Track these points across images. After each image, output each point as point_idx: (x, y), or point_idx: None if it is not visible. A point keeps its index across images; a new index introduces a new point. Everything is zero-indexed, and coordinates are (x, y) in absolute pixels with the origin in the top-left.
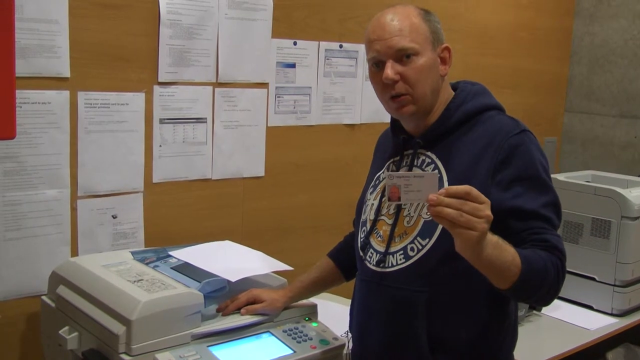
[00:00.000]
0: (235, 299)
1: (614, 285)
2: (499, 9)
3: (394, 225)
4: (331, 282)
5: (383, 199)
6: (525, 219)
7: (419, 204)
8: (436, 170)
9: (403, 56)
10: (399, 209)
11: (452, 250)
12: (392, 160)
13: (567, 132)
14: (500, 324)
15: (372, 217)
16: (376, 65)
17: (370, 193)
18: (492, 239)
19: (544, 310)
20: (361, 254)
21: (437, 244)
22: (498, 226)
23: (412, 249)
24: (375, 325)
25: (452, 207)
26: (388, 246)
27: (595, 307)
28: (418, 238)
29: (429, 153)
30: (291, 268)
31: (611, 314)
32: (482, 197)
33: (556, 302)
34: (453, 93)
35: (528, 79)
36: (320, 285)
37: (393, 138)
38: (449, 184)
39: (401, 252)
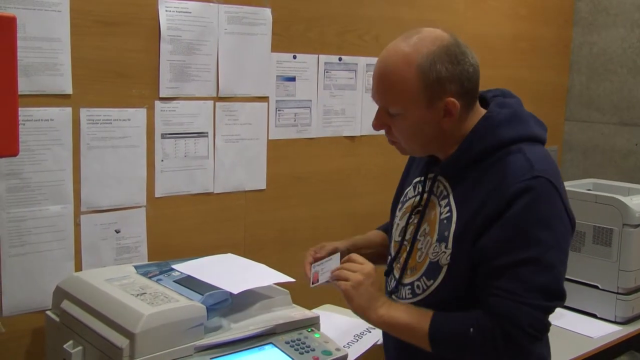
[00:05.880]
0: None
1: (617, 293)
2: (498, 20)
3: (408, 256)
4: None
5: (414, 218)
6: (489, 272)
7: (429, 242)
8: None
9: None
10: (414, 238)
11: (454, 294)
12: (417, 180)
13: (568, 141)
14: None
15: (397, 238)
16: None
17: (399, 209)
18: (386, 301)
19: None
20: (385, 277)
21: (441, 287)
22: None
23: (418, 287)
24: (392, 344)
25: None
26: (401, 277)
27: (598, 315)
28: (424, 277)
29: (446, 184)
30: (293, 280)
31: (615, 322)
32: (361, 259)
33: (559, 310)
34: (481, 114)
35: (528, 89)
36: (380, 245)
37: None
38: (455, 227)
39: (409, 287)
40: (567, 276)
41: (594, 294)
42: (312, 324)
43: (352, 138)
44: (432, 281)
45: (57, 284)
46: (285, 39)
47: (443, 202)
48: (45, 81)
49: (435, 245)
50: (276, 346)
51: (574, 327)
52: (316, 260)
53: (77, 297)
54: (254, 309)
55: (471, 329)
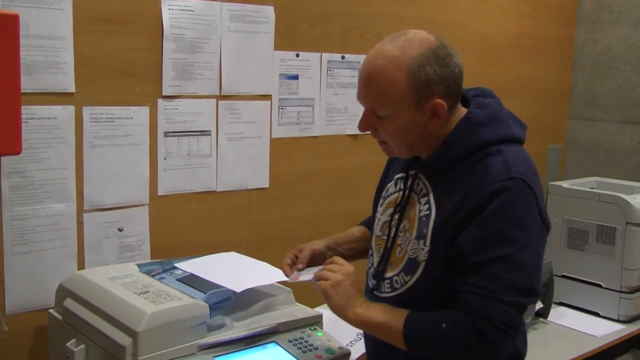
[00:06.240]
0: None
1: (620, 292)
2: (500, 18)
3: (389, 252)
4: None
5: (395, 215)
6: (464, 269)
7: (408, 239)
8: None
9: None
10: (394, 235)
11: (432, 290)
12: (399, 176)
13: (571, 139)
14: None
15: (378, 233)
16: None
17: (380, 205)
18: (364, 301)
19: (550, 317)
20: (368, 271)
21: (418, 282)
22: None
23: (396, 282)
24: (372, 344)
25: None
26: (382, 272)
27: (601, 314)
28: (402, 273)
29: (427, 182)
30: None
31: (618, 321)
32: (342, 261)
33: (562, 309)
34: (462, 114)
35: (531, 87)
36: (362, 240)
37: None
38: (434, 225)
39: (388, 282)
40: (570, 274)
41: (597, 292)
42: (315, 322)
43: (355, 136)
44: (410, 277)
45: (60, 282)
46: (288, 37)
47: (423, 200)
48: (48, 79)
49: (414, 242)
50: (279, 344)
51: (577, 326)
52: (295, 261)
53: (80, 295)
54: (257, 307)
55: (444, 325)
